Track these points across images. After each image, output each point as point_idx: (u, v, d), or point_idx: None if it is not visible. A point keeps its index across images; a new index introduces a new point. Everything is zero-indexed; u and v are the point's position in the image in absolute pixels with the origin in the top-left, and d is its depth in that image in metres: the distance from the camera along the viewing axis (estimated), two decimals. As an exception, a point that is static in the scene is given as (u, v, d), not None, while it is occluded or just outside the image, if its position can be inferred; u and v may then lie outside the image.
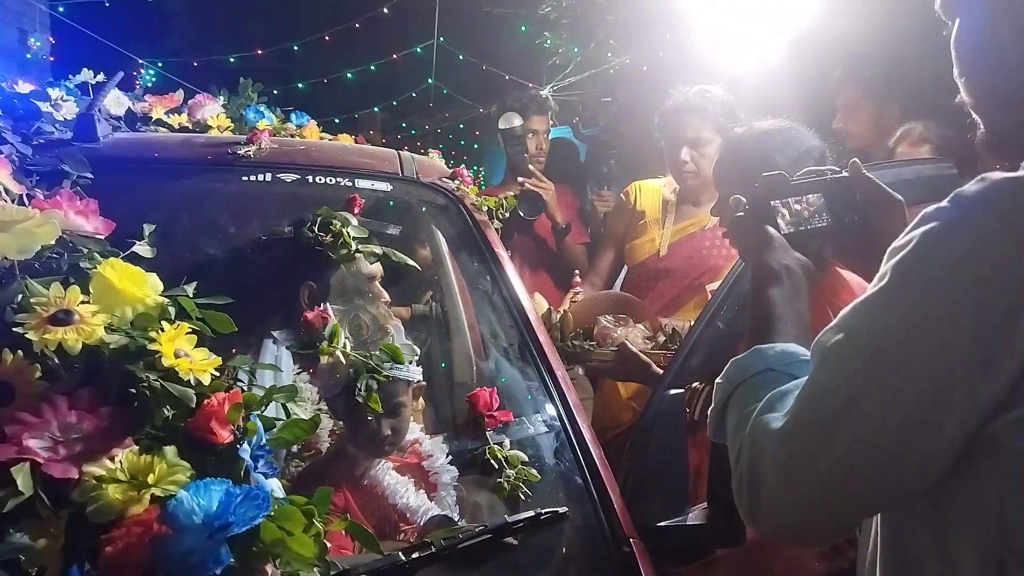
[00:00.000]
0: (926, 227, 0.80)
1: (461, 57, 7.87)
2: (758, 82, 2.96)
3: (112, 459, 0.89)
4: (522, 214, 2.83)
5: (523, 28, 6.51)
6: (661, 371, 2.06)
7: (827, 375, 0.83)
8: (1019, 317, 0.73)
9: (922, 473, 0.79)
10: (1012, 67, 0.86)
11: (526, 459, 1.41)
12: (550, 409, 1.45)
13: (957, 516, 0.80)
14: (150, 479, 0.86)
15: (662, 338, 2.24)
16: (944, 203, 0.80)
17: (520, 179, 2.95)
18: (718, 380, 1.01)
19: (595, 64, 5.35)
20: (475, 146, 10.50)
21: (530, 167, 3.00)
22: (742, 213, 1.14)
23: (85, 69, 2.04)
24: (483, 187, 3.66)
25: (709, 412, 1.02)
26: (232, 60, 6.77)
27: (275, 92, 2.50)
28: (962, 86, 0.93)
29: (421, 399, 1.59)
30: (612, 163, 3.25)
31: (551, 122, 3.51)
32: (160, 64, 6.06)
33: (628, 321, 2.26)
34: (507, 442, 1.44)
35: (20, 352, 0.95)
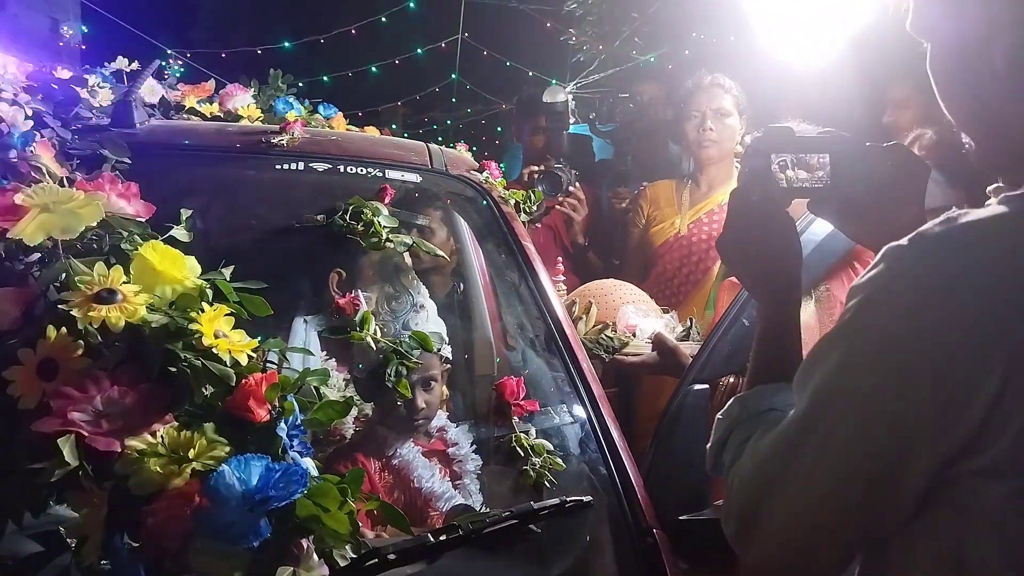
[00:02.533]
0: (885, 269, 0.79)
1: (485, 53, 7.89)
2: (793, 78, 2.95)
3: (153, 434, 0.91)
4: (541, 191, 2.84)
5: (548, 24, 6.52)
6: None
7: (796, 423, 0.84)
8: (978, 368, 0.72)
9: (889, 519, 0.81)
10: (985, 88, 0.84)
11: (551, 448, 1.43)
12: (575, 400, 1.46)
13: (919, 553, 0.81)
14: (190, 454, 0.88)
15: (680, 329, 2.24)
16: (905, 242, 0.79)
17: (559, 197, 2.95)
18: (719, 416, 1.03)
19: (620, 62, 5.35)
20: (496, 142, 10.52)
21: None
22: (743, 182, 1.10)
23: (120, 57, 2.07)
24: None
25: (707, 447, 1.04)
26: (259, 52, 6.83)
27: (300, 85, 2.53)
28: (943, 107, 0.91)
29: (444, 387, 1.62)
30: (629, 160, 3.24)
31: (571, 115, 3.53)
32: (188, 55, 6.12)
33: (651, 311, 2.25)
34: (533, 431, 1.46)
35: (64, 329, 0.97)
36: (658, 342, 2.11)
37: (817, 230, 1.67)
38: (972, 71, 0.84)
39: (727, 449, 0.98)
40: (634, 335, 2.13)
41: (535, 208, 2.18)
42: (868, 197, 1.08)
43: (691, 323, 2.26)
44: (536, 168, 2.88)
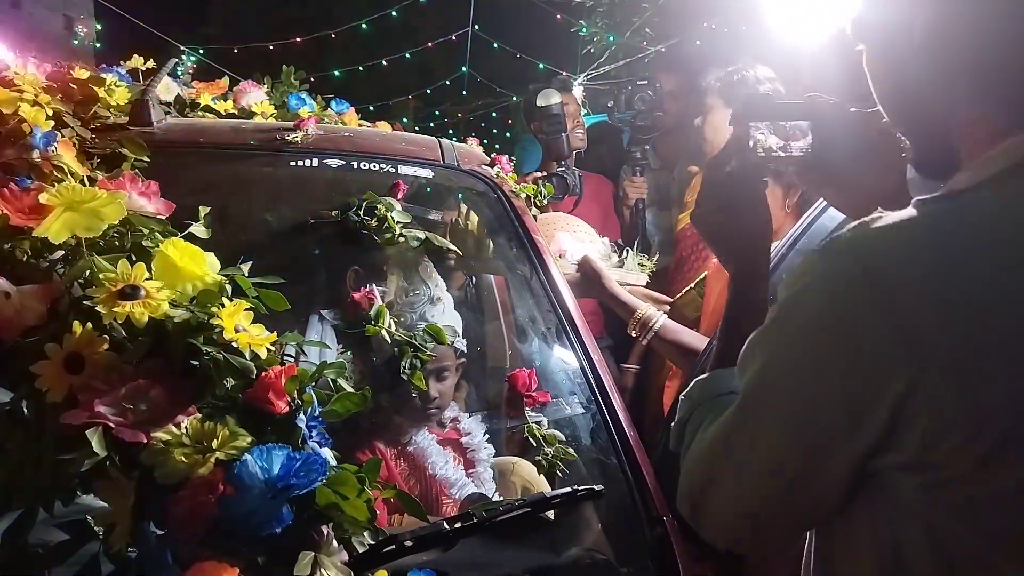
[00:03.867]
0: (802, 274, 0.82)
1: (496, 45, 7.89)
2: (807, 64, 2.94)
3: (177, 425, 0.94)
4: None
5: (558, 16, 6.52)
6: (623, 291, 2.14)
7: (732, 416, 0.87)
8: (883, 370, 0.74)
9: (819, 508, 0.85)
10: (908, 71, 0.84)
11: (563, 438, 1.45)
12: (586, 390, 1.48)
13: (860, 537, 0.84)
14: (214, 444, 0.91)
15: (615, 258, 2.28)
16: (819, 247, 0.81)
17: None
18: (682, 397, 1.05)
19: (630, 53, 5.36)
20: (507, 134, 10.53)
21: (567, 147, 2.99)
22: (720, 151, 1.10)
23: (136, 55, 2.10)
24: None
25: (672, 426, 1.06)
26: (271, 48, 6.86)
27: (312, 79, 2.55)
28: (880, 107, 0.92)
29: (458, 378, 1.65)
30: (647, 149, 3.22)
31: (582, 107, 3.51)
32: (201, 51, 6.16)
33: (587, 239, 2.28)
34: (545, 421, 1.49)
35: (89, 324, 1.00)
36: (583, 263, 2.16)
37: (836, 215, 1.66)
38: (896, 55, 0.85)
39: (686, 431, 1.00)
40: (562, 257, 2.17)
41: (546, 202, 2.21)
42: (850, 164, 1.09)
43: (626, 252, 2.30)
44: (539, 175, 2.87)
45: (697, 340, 2.02)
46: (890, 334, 0.74)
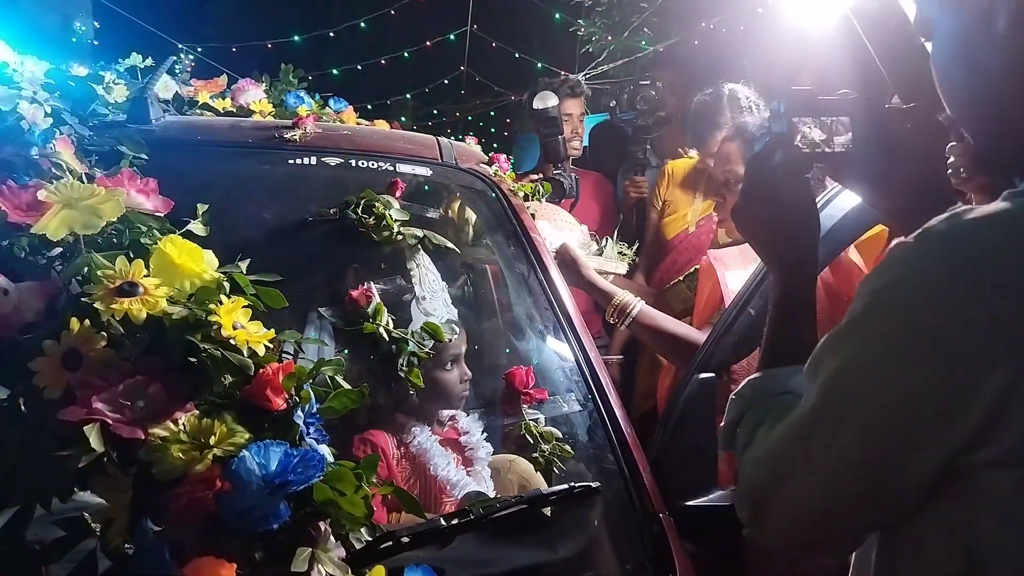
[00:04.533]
0: (892, 266, 0.80)
1: (494, 44, 7.89)
2: (806, 63, 2.94)
3: (175, 422, 0.94)
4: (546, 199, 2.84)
5: (557, 16, 6.52)
6: (600, 278, 2.16)
7: (806, 414, 0.85)
8: (984, 364, 0.73)
9: (895, 508, 0.83)
10: (990, 79, 0.83)
11: (560, 435, 1.46)
12: (583, 388, 1.49)
13: (930, 540, 0.83)
14: (211, 441, 0.91)
15: (594, 247, 2.28)
16: (911, 239, 0.80)
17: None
18: (732, 396, 1.04)
19: (629, 52, 5.35)
20: (506, 133, 10.52)
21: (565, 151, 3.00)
22: (763, 145, 1.08)
23: (134, 53, 2.10)
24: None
25: (721, 427, 1.05)
26: (269, 47, 6.86)
27: (310, 78, 2.55)
28: (945, 103, 0.91)
29: (467, 388, 1.66)
30: (648, 148, 3.23)
31: (584, 109, 3.51)
32: (199, 49, 6.16)
33: (567, 227, 2.29)
34: (542, 419, 1.49)
35: (87, 321, 1.01)
36: (561, 251, 2.17)
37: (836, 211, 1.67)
38: (972, 49, 0.84)
39: (739, 431, 0.99)
40: None
41: (544, 201, 2.21)
42: (887, 161, 1.08)
43: (606, 241, 2.31)
44: (535, 178, 2.87)
45: (675, 325, 2.03)
46: (988, 327, 0.73)
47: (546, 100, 2.93)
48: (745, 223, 1.11)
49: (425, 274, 1.51)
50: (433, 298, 1.48)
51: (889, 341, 0.79)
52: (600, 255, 2.32)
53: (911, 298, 0.77)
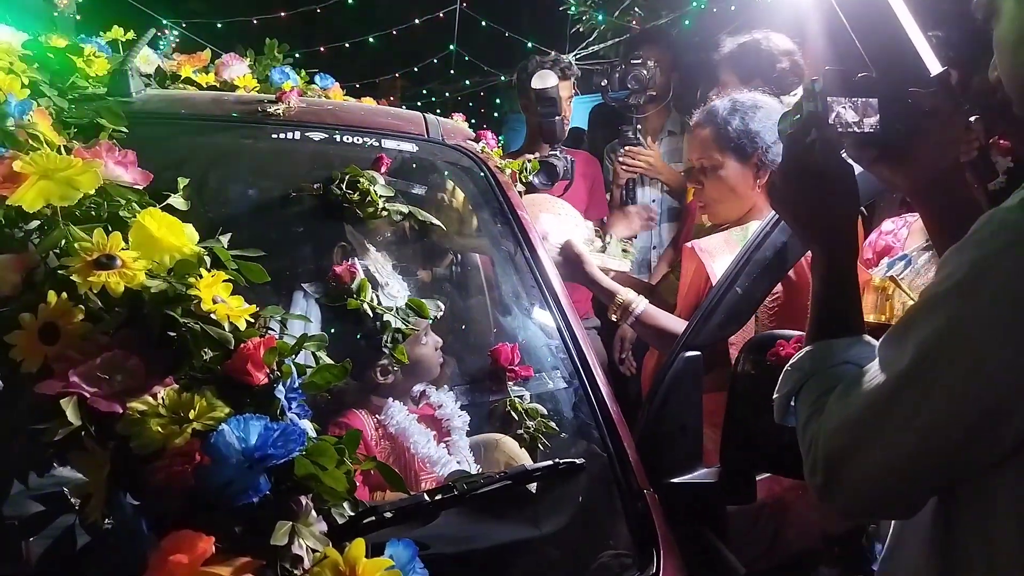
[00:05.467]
0: (998, 230, 0.81)
1: (483, 23, 7.82)
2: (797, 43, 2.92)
3: (154, 396, 0.93)
4: (536, 182, 2.82)
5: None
6: (604, 276, 2.16)
7: (896, 375, 0.87)
8: None
9: (973, 468, 0.86)
10: None
11: (545, 412, 1.46)
12: (569, 365, 1.49)
13: (1003, 504, 0.85)
14: (191, 415, 0.90)
15: (598, 244, 2.29)
16: (1015, 204, 0.81)
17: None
18: (787, 368, 1.05)
19: (619, 32, 5.32)
20: (495, 114, 10.46)
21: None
22: (797, 123, 1.10)
23: (115, 27, 2.07)
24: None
25: (775, 398, 1.06)
26: (255, 22, 6.77)
27: (297, 56, 2.51)
28: (1006, 84, 0.92)
29: (441, 355, 1.64)
30: (639, 126, 3.21)
31: (574, 90, 3.49)
32: (184, 25, 6.08)
33: (571, 222, 2.29)
34: (527, 396, 1.49)
35: (64, 294, 0.99)
36: (565, 247, 2.19)
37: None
38: None
39: (800, 402, 1.01)
40: (545, 240, 2.16)
41: (531, 178, 2.19)
42: (908, 142, 1.11)
43: (610, 237, 2.31)
44: (530, 158, 2.85)
45: (677, 324, 2.03)
46: None
47: (545, 80, 2.89)
48: (785, 202, 1.12)
49: (378, 262, 1.48)
50: (392, 282, 1.45)
51: (996, 306, 0.80)
52: (603, 252, 2.31)
53: (1017, 266, 0.79)
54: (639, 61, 3.11)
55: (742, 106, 2.13)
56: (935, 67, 1.18)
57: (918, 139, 1.11)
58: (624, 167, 3.14)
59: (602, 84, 3.26)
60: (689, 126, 2.62)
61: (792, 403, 1.04)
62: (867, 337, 1.03)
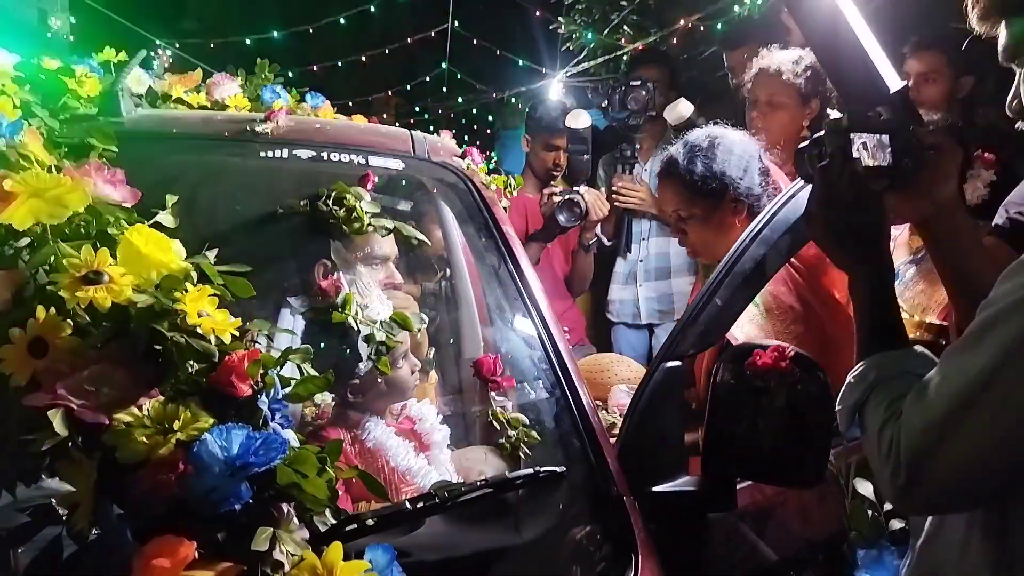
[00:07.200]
0: None
1: (475, 42, 7.89)
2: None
3: (140, 408, 0.95)
4: (560, 220, 2.85)
5: (537, 13, 6.53)
6: None
7: (977, 374, 0.92)
8: None
9: None
10: None
11: (527, 422, 1.48)
12: (551, 376, 1.51)
13: None
14: (175, 426, 0.92)
15: None
16: None
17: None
18: (850, 380, 1.11)
19: (609, 49, 5.38)
20: (488, 131, 10.53)
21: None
22: (822, 154, 1.19)
23: (107, 48, 2.10)
24: (497, 171, 3.68)
25: (838, 411, 1.13)
26: (247, 42, 6.83)
27: (290, 74, 2.54)
28: None
29: (433, 371, 1.66)
30: (637, 147, 3.25)
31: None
32: (177, 45, 6.12)
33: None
34: (509, 406, 1.51)
35: (53, 309, 1.01)
36: None
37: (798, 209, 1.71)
38: None
39: (870, 411, 1.06)
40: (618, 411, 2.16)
41: (515, 194, 2.23)
42: (918, 175, 1.22)
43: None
44: (555, 192, 2.90)
45: None
46: None
47: (578, 119, 3.00)
48: (826, 232, 1.20)
49: (361, 283, 1.50)
50: (373, 302, 1.47)
51: None
52: None
53: None
54: (638, 83, 3.17)
55: (699, 149, 2.12)
56: (895, 83, 1.23)
57: (922, 172, 1.21)
58: (618, 201, 3.20)
59: (603, 105, 3.33)
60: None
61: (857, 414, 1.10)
62: (918, 347, 1.11)
